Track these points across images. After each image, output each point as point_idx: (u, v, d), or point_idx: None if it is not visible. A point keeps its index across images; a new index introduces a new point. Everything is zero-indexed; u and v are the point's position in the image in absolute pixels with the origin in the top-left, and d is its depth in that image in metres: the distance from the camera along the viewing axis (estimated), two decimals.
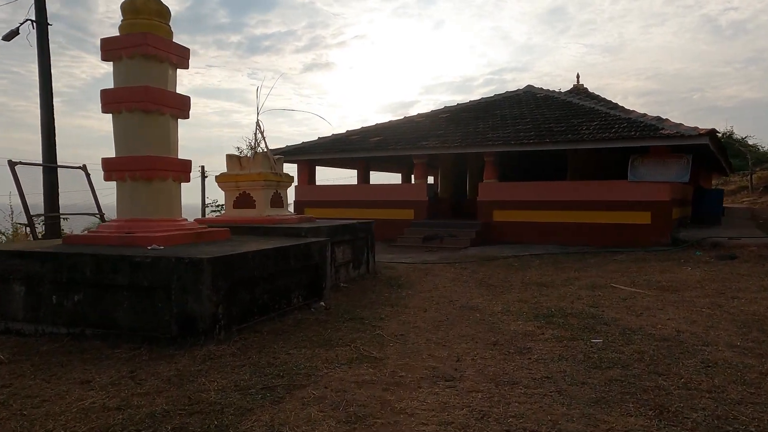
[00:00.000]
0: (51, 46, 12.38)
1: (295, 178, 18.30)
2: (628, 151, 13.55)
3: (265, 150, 8.46)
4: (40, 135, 11.99)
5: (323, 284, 6.82)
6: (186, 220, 6.52)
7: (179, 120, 6.54)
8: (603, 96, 21.90)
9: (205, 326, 4.76)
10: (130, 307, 4.94)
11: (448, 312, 6.36)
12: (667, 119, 13.28)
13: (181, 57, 6.45)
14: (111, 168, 6.14)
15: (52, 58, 12.40)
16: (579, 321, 5.76)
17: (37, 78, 12.22)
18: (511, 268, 10.00)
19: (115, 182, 6.19)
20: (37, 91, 12.24)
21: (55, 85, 12.92)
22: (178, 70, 6.61)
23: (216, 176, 8.36)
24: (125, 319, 4.95)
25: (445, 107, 19.63)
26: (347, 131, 18.68)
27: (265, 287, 5.68)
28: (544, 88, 19.90)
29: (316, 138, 18.59)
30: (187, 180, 6.53)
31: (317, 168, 20.96)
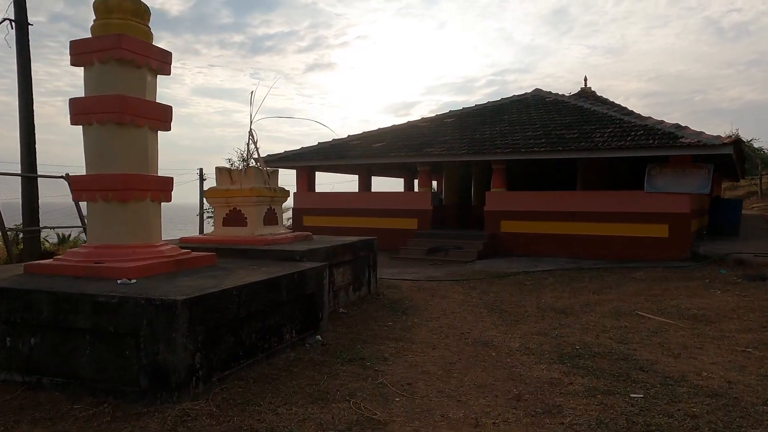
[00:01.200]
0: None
1: (294, 185, 17.63)
2: (644, 160, 12.85)
3: (259, 162, 7.77)
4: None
5: (320, 315, 6.12)
6: (166, 244, 5.82)
7: (160, 132, 5.86)
8: (607, 98, 21.26)
9: (179, 379, 4.06)
10: (94, 355, 4.25)
11: (460, 349, 5.65)
12: (686, 127, 12.57)
13: (162, 62, 5.76)
14: (81, 187, 5.45)
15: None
16: (610, 364, 5.06)
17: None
18: (524, 288, 9.29)
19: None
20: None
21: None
22: (158, 76, 5.93)
23: (205, 191, 7.66)
24: (88, 369, 4.26)
25: (450, 111, 18.93)
26: (348, 136, 17.98)
27: (252, 326, 4.99)
28: (551, 91, 19.20)
29: (316, 141, 17.90)
30: (168, 199, 5.83)
31: (317, 173, 20.33)
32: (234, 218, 7.53)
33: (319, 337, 5.92)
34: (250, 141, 7.84)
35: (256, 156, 7.83)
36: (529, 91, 19.65)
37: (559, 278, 10.23)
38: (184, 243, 7.34)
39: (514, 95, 19.57)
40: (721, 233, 14.89)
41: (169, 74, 5.96)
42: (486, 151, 13.87)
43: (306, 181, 17.32)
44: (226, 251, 6.83)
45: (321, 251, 6.96)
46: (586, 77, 23.48)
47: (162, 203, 5.89)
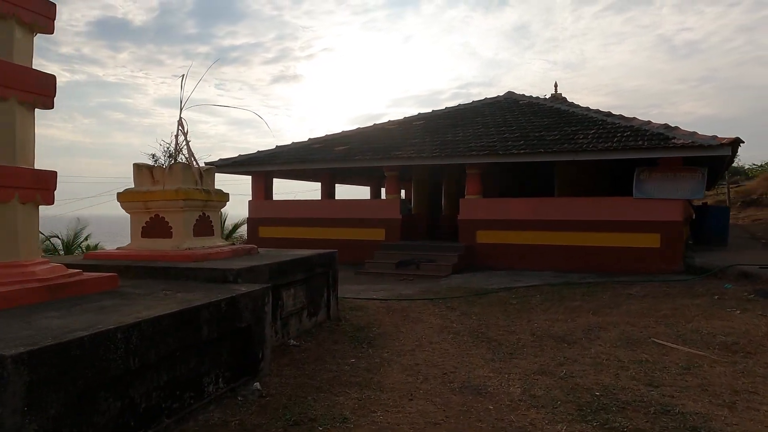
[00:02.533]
0: None
1: (250, 192, 16.03)
2: (631, 163, 11.79)
3: (188, 158, 6.24)
4: None
5: (259, 355, 4.63)
6: (44, 263, 4.25)
7: (41, 110, 4.32)
8: (579, 104, 20.35)
9: None
10: None
11: (445, 400, 4.24)
12: (677, 127, 11.56)
13: (39, 14, 4.23)
14: None
15: None
16: (649, 422, 3.73)
17: None
18: (510, 309, 7.97)
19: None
20: None
21: None
22: (40, 35, 4.40)
23: (117, 193, 6.09)
24: None
25: (419, 114, 17.68)
26: (309, 139, 16.52)
27: (153, 380, 3.48)
28: (525, 94, 18.16)
29: (274, 147, 16.36)
30: (49, 201, 4.27)
31: (277, 180, 18.76)
32: (155, 227, 5.97)
33: (257, 384, 4.42)
34: (179, 132, 6.32)
35: (186, 151, 6.31)
36: (501, 94, 18.58)
37: (548, 295, 8.96)
38: (89, 259, 5.76)
39: (487, 98, 18.47)
40: (709, 242, 13.96)
41: (52, 32, 4.43)
42: (460, 153, 12.60)
43: (262, 188, 15.74)
44: (141, 270, 5.28)
45: (264, 269, 5.47)
46: (556, 83, 22.57)
47: (43, 206, 4.34)
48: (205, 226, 6.22)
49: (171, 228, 5.91)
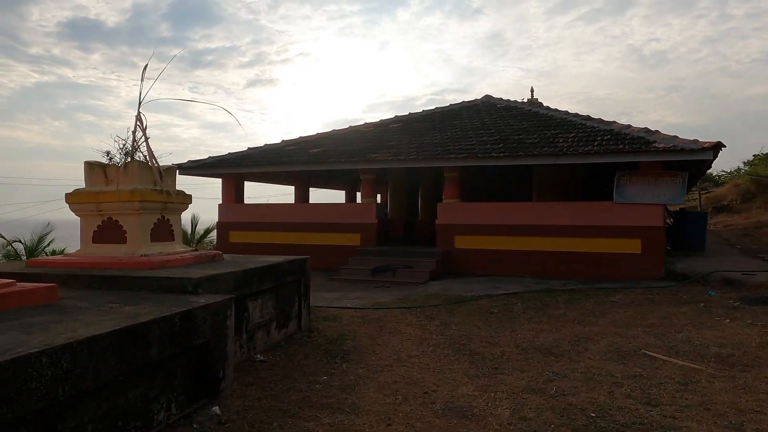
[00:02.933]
0: None
1: (220, 195, 15.42)
2: (612, 168, 11.57)
3: (147, 156, 5.71)
4: None
5: (219, 374, 4.14)
6: None
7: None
8: (557, 108, 20.22)
9: None
10: None
11: (427, 425, 3.82)
12: (657, 131, 11.39)
13: None
14: None
15: None
16: None
17: None
18: (492, 318, 7.59)
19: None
20: None
21: None
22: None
23: (66, 194, 5.52)
24: None
25: (396, 116, 17.30)
26: (282, 141, 15.99)
27: (90, 411, 2.98)
28: (504, 98, 17.94)
29: (237, 146, 15.79)
30: None
31: (250, 184, 18.19)
32: (108, 232, 5.43)
33: (216, 409, 3.94)
34: (137, 128, 5.79)
35: (145, 148, 5.78)
36: (478, 97, 18.33)
37: (530, 303, 8.62)
38: (31, 267, 5.19)
39: (464, 101, 18.21)
40: (687, 248, 13.85)
41: None
42: (438, 156, 12.24)
43: (233, 191, 15.14)
44: (88, 280, 4.74)
45: (227, 278, 4.98)
46: (532, 88, 22.33)
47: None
48: (164, 231, 5.69)
49: (125, 232, 5.38)
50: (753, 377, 4.68)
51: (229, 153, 15.48)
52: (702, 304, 7.94)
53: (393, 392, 4.51)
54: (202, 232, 26.00)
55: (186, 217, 27.16)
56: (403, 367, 5.25)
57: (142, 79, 5.83)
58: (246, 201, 16.83)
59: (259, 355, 5.45)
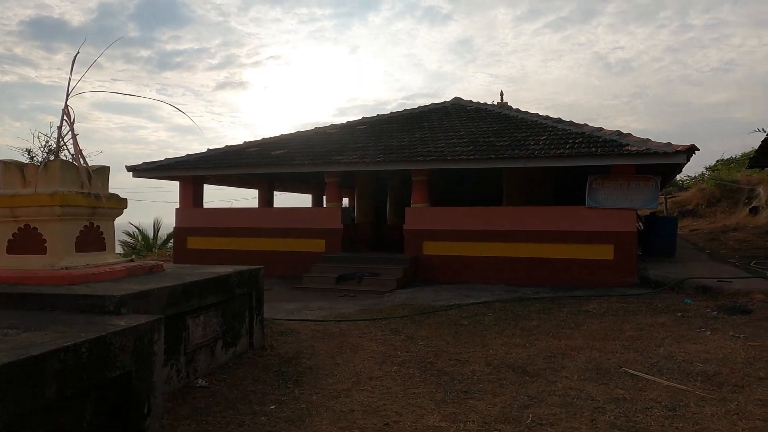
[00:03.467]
0: None
1: (177, 199, 14.63)
2: (584, 171, 11.28)
3: (74, 155, 5.04)
4: None
5: (143, 409, 3.51)
6: None
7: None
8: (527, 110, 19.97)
9: None
10: None
11: None
12: (629, 134, 11.13)
13: None
14: None
15: None
16: None
17: None
18: (461, 330, 7.10)
19: None
20: None
21: None
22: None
23: None
24: None
25: (363, 118, 16.77)
26: (245, 142, 15.29)
27: None
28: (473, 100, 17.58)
29: (206, 149, 15.03)
30: None
31: (212, 187, 17.42)
32: (25, 241, 4.73)
33: None
34: (64, 123, 5.11)
35: (72, 146, 5.10)
36: (448, 100, 17.94)
37: (501, 314, 8.16)
38: None
39: (433, 103, 17.80)
40: (658, 253, 13.66)
41: None
42: (406, 159, 11.75)
43: (191, 195, 14.37)
44: None
45: (161, 294, 4.35)
46: (502, 92, 22.04)
47: None
48: (92, 240, 5.02)
49: (45, 242, 4.69)
50: (745, 399, 4.27)
51: (188, 154, 14.71)
52: (679, 314, 7.60)
53: (349, 424, 3.95)
54: (165, 237, 25.01)
55: (148, 221, 26.13)
56: (362, 392, 4.69)
57: (71, 70, 5.15)
58: (209, 205, 16.10)
59: (200, 380, 4.82)
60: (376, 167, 12.15)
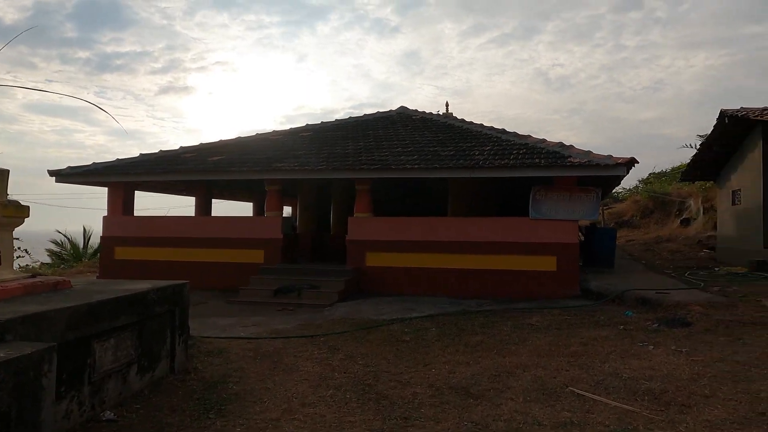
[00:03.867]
0: None
1: (106, 206, 13.69)
2: (528, 182, 11.25)
3: None
4: None
5: None
6: None
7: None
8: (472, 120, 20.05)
9: None
10: None
11: None
12: (571, 146, 11.19)
13: None
14: None
15: None
16: None
17: None
18: (403, 347, 6.77)
19: None
20: None
21: None
22: None
23: None
24: None
25: (308, 125, 16.32)
26: (181, 147, 14.53)
27: None
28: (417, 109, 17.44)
29: (138, 154, 14.18)
30: None
31: (147, 195, 16.49)
32: None
33: None
34: None
35: None
36: (394, 109, 17.74)
37: (445, 328, 7.89)
38: None
39: (379, 112, 17.55)
40: (597, 264, 13.83)
41: None
42: (349, 167, 11.39)
43: (121, 202, 13.47)
44: None
45: (57, 316, 3.79)
46: (447, 103, 22.15)
47: None
48: None
49: None
50: (693, 420, 4.12)
51: (118, 159, 13.82)
52: (621, 326, 7.55)
53: None
54: (97, 245, 23.59)
55: (76, 229, 24.64)
56: (293, 422, 4.26)
57: None
58: (144, 213, 15.23)
59: (108, 413, 4.26)
60: (319, 175, 11.74)
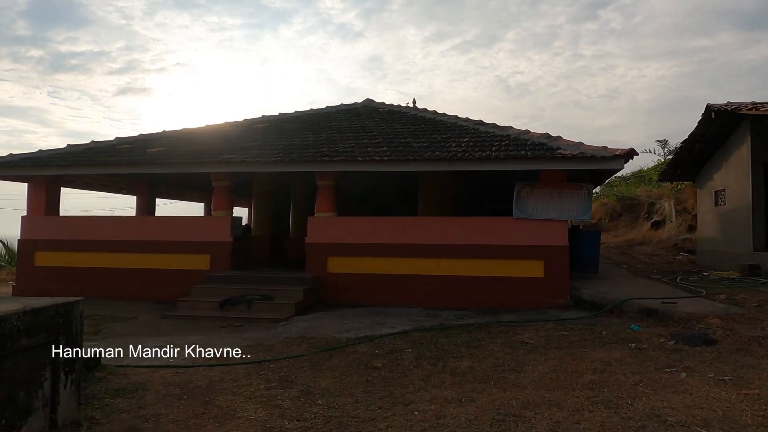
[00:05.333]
0: None
1: (25, 204, 11.84)
2: (508, 179, 10.03)
3: None
4: None
5: None
6: None
7: None
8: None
9: None
10: None
11: None
12: (559, 137, 10.02)
13: None
14: None
15: None
16: None
17: None
18: (374, 378, 5.36)
19: None
20: None
21: None
22: None
23: None
24: None
25: (264, 116, 14.75)
26: (116, 138, 12.77)
27: None
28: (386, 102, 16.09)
29: (66, 145, 12.35)
30: None
31: (84, 194, 14.63)
32: None
33: None
34: None
35: None
36: (359, 101, 16.34)
37: (423, 349, 6.52)
38: None
39: (342, 104, 16.13)
40: (581, 269, 12.70)
41: None
42: (309, 159, 9.92)
43: (43, 200, 11.64)
44: None
45: None
46: (414, 100, 20.75)
47: None
48: None
49: None
50: None
51: (41, 150, 11.98)
52: (632, 345, 6.33)
53: None
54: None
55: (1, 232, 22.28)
56: None
57: None
58: (78, 214, 13.42)
59: None
60: (274, 168, 10.22)
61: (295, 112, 15.21)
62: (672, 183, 21.15)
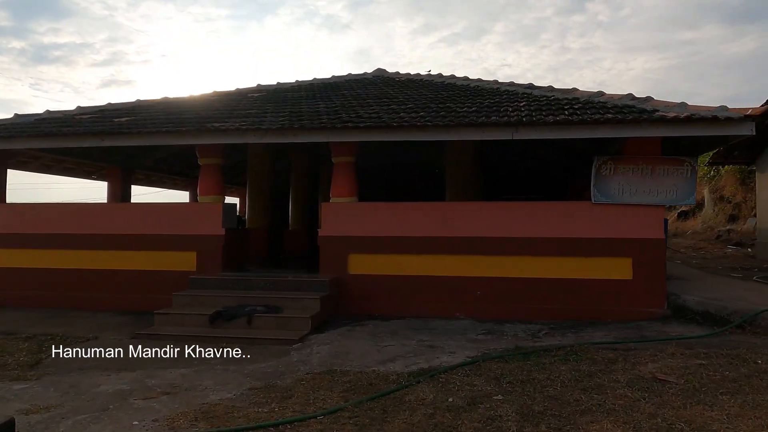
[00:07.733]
0: None
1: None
2: (576, 155, 7.82)
3: None
4: None
5: None
6: None
7: None
8: None
9: None
10: None
11: None
12: (649, 97, 7.76)
13: None
14: None
15: None
16: None
17: None
18: None
19: None
20: None
21: None
22: None
23: None
24: None
25: (259, 85, 12.35)
26: (78, 107, 10.34)
27: None
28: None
29: (13, 114, 9.92)
30: None
31: (46, 178, 12.21)
32: None
33: None
34: None
35: None
36: (369, 71, 14.00)
37: (519, 395, 4.29)
38: None
39: (350, 74, 13.78)
40: None
41: None
42: (326, 125, 7.61)
43: None
44: None
45: None
46: (430, 71, 18.38)
47: None
48: None
49: None
50: None
51: None
52: None
53: None
54: None
55: None
56: None
57: None
58: (28, 202, 11.08)
59: None
60: (278, 138, 7.87)
61: (296, 81, 12.84)
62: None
